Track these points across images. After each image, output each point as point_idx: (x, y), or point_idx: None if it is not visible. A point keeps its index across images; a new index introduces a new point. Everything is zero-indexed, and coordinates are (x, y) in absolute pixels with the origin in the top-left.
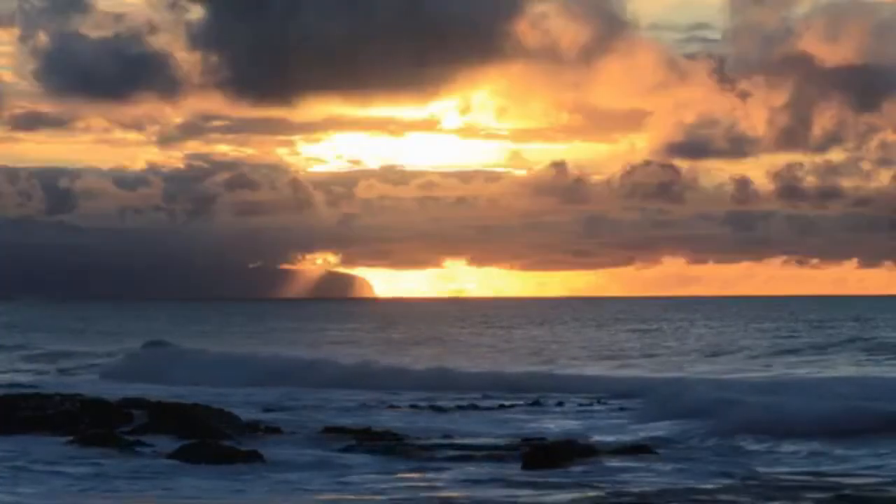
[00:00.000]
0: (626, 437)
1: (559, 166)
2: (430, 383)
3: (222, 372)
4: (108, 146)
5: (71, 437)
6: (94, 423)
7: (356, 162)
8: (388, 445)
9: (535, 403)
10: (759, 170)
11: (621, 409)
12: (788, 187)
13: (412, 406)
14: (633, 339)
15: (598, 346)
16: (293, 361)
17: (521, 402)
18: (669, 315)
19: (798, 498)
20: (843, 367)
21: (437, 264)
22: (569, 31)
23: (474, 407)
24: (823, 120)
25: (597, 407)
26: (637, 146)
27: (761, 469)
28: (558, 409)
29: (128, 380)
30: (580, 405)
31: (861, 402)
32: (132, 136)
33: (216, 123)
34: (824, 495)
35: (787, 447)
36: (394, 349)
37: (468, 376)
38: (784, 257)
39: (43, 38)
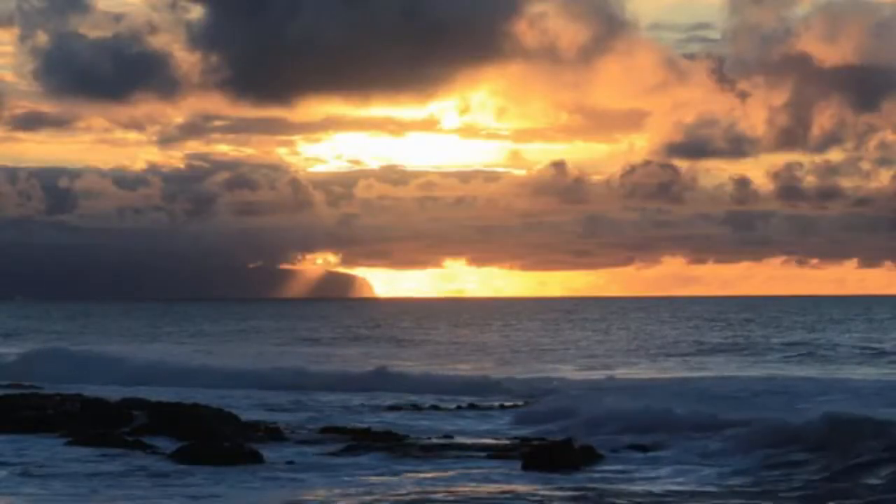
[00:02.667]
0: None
1: (559, 166)
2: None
3: (94, 372)
4: (108, 146)
5: (71, 438)
6: (94, 423)
7: (356, 162)
8: (388, 446)
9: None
10: (758, 170)
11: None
12: (788, 187)
13: (414, 406)
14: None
15: (530, 346)
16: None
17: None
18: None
19: None
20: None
21: (437, 264)
22: (568, 31)
23: (473, 406)
24: (823, 120)
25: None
26: (637, 146)
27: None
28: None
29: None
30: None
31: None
32: (132, 136)
33: (216, 123)
34: None
35: None
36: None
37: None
38: (784, 257)
39: (42, 37)
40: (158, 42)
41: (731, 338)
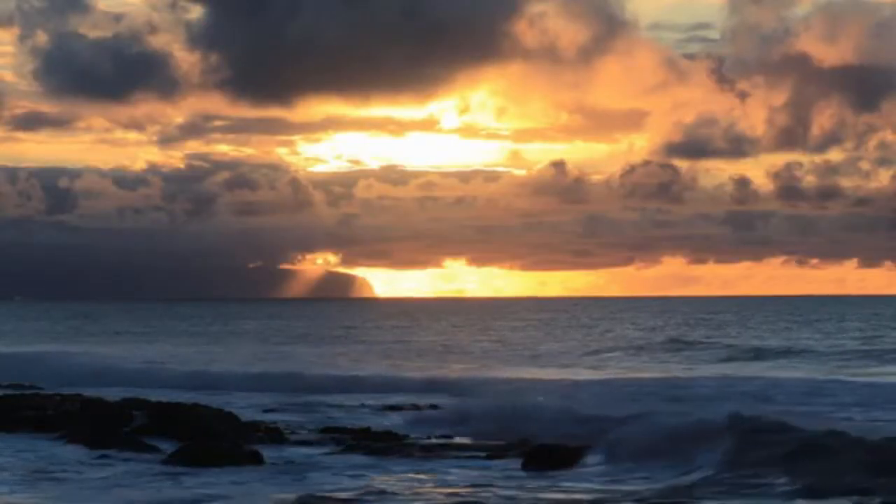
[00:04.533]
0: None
1: (559, 166)
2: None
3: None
4: (108, 146)
5: (71, 438)
6: (94, 424)
7: (356, 162)
8: (388, 446)
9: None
10: (758, 170)
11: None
12: (788, 187)
13: (414, 406)
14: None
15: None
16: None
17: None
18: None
19: None
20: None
21: (437, 264)
22: (568, 31)
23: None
24: (822, 120)
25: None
26: (636, 146)
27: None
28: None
29: None
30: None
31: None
32: (132, 136)
33: (216, 123)
34: None
35: None
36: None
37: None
38: (784, 257)
39: (42, 37)
40: (158, 42)
41: (711, 337)
